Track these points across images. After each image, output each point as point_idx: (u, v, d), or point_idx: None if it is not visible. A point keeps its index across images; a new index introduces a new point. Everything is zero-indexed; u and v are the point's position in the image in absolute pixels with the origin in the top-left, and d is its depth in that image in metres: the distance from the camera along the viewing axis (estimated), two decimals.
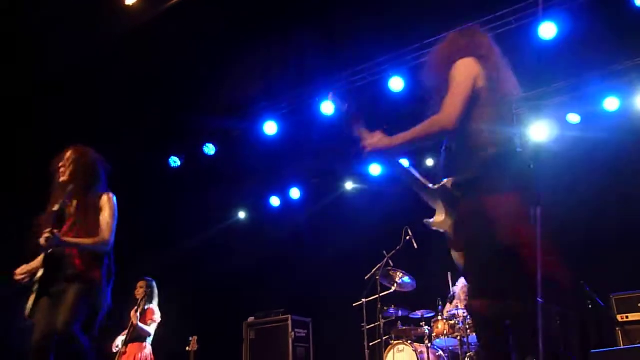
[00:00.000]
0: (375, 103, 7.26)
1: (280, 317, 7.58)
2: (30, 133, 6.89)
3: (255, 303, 8.18)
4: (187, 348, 7.51)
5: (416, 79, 6.88)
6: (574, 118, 7.01)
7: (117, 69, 6.54)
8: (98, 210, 3.87)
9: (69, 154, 4.01)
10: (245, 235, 8.99)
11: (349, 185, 8.73)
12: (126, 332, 5.86)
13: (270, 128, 7.73)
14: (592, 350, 3.03)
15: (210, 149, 8.06)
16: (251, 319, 7.84)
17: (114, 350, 5.93)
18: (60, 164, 3.97)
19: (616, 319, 5.73)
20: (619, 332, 5.67)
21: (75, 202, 3.90)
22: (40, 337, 3.60)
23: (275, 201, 9.11)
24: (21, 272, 3.83)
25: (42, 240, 3.61)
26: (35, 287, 3.73)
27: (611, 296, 5.86)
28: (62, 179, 3.93)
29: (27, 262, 3.92)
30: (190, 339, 7.57)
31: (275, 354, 7.41)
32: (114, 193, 4.08)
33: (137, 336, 5.85)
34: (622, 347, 5.15)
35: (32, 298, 3.72)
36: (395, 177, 3.46)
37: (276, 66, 6.91)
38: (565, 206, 6.69)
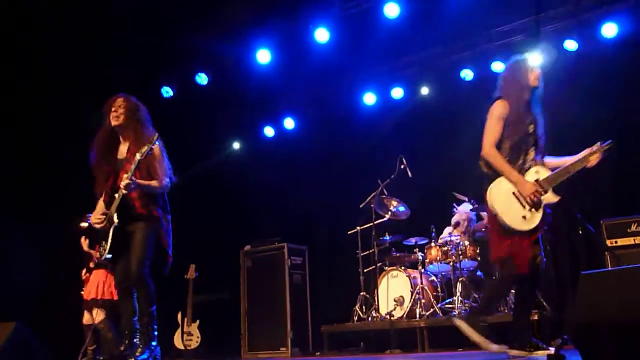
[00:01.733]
0: (371, 30, 7.14)
1: (276, 245, 7.71)
2: (16, 69, 6.78)
3: (251, 232, 8.31)
4: (186, 276, 7.71)
5: (412, 4, 6.75)
6: (571, 45, 6.93)
7: None
8: (147, 158, 4.11)
9: (120, 101, 4.26)
10: (240, 165, 9.01)
11: (343, 115, 8.68)
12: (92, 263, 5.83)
13: (264, 56, 7.61)
14: (582, 272, 3.12)
15: (202, 79, 7.95)
16: (247, 247, 7.98)
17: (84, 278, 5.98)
18: (113, 110, 4.23)
19: (605, 244, 5.88)
20: (608, 256, 5.82)
21: (126, 150, 4.21)
22: (121, 279, 4.14)
23: (269, 131, 9.09)
24: (97, 218, 4.18)
25: (122, 184, 3.96)
26: (112, 230, 4.08)
27: (601, 222, 5.97)
28: (114, 123, 4.21)
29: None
30: (189, 267, 7.78)
31: (272, 281, 7.60)
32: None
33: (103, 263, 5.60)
34: (610, 268, 5.31)
35: (109, 241, 4.07)
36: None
37: None
38: (560, 133, 6.72)
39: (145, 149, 4.02)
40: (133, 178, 3.98)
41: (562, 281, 6.20)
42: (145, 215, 4.13)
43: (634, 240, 5.74)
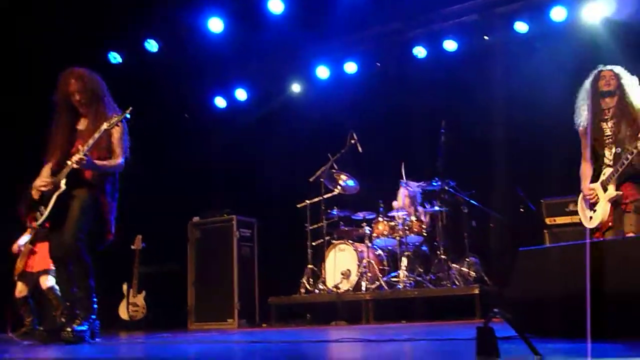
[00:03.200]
0: (326, 3, 7.12)
1: (225, 217, 7.69)
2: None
3: (200, 203, 8.25)
4: (132, 246, 7.63)
5: None
6: (521, 27, 7.09)
7: None
8: (109, 132, 4.04)
9: (79, 77, 4.13)
10: (190, 135, 8.90)
11: (296, 88, 8.68)
12: (30, 231, 5.67)
13: (216, 25, 7.49)
14: (521, 248, 3.27)
15: (152, 46, 7.77)
16: (196, 218, 7.93)
17: (16, 251, 5.81)
18: (72, 88, 4.09)
19: (545, 222, 6.13)
20: (547, 233, 6.08)
21: (87, 123, 4.11)
22: (55, 247, 4.05)
23: (220, 102, 9.00)
24: (43, 181, 4.04)
25: (74, 159, 3.83)
26: (55, 196, 3.95)
27: (542, 201, 6.21)
28: (77, 99, 4.10)
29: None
30: (135, 237, 7.70)
31: (220, 253, 7.60)
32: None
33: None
34: (547, 245, 5.55)
35: (49, 206, 3.96)
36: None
37: None
38: (505, 114, 6.92)
39: (115, 119, 3.92)
40: (87, 154, 3.86)
41: (503, 256, 6.44)
42: (90, 183, 4.03)
43: (572, 219, 6.00)
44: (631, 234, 3.76)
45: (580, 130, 4.23)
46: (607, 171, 4.08)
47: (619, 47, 6.38)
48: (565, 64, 6.69)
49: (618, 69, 4.18)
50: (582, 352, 2.08)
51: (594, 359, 1.92)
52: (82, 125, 4.15)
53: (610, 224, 3.99)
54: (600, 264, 2.58)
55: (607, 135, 4.07)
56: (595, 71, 4.25)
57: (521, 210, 6.45)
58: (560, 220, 6.08)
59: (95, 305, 4.04)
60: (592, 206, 4.12)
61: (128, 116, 4.02)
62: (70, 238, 3.90)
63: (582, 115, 4.20)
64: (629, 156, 3.86)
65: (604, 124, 4.11)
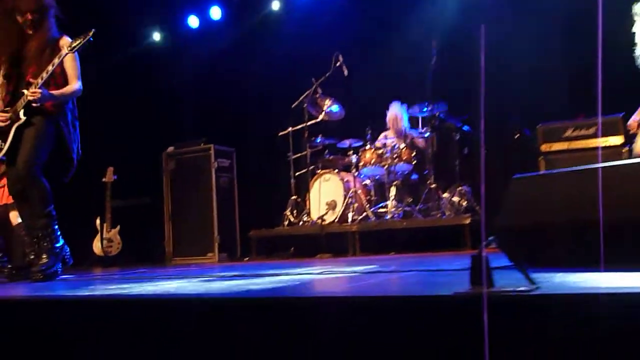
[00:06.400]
0: None
1: (202, 146, 7.62)
2: None
3: (175, 132, 8.15)
4: (103, 179, 7.56)
5: None
6: None
7: None
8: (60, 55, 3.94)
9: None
10: (162, 59, 8.67)
11: (276, 5, 8.43)
12: None
13: None
14: (514, 175, 3.26)
15: None
16: (171, 149, 7.85)
17: None
18: (25, 5, 3.93)
19: (540, 148, 6.11)
20: (542, 161, 6.07)
21: (34, 46, 3.97)
22: (13, 180, 3.98)
23: (193, 21, 8.74)
24: (1, 119, 3.96)
25: (31, 95, 3.81)
26: (14, 128, 3.91)
27: (538, 126, 6.18)
28: (29, 19, 3.94)
29: None
30: (106, 170, 7.61)
31: (198, 185, 7.57)
32: None
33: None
34: (541, 172, 5.56)
35: (8, 140, 3.93)
36: None
37: None
38: (505, 36, 6.77)
39: (77, 44, 3.83)
40: (44, 87, 3.83)
41: (494, 184, 6.46)
42: (49, 111, 3.96)
43: (569, 145, 5.99)
44: None
45: None
46: None
47: None
48: None
49: None
50: (577, 281, 2.09)
51: (590, 287, 1.93)
52: (29, 49, 4.00)
53: None
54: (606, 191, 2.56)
55: None
56: None
57: (516, 136, 6.43)
58: (556, 146, 6.04)
59: (59, 232, 4.04)
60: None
61: (92, 39, 3.89)
62: (23, 165, 3.86)
63: None
64: None
65: None
